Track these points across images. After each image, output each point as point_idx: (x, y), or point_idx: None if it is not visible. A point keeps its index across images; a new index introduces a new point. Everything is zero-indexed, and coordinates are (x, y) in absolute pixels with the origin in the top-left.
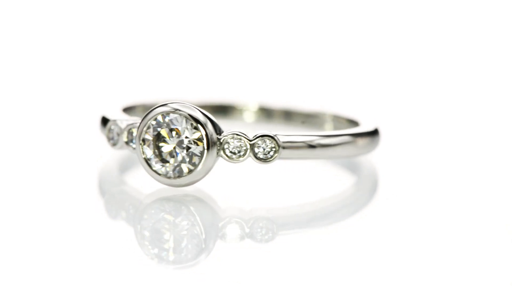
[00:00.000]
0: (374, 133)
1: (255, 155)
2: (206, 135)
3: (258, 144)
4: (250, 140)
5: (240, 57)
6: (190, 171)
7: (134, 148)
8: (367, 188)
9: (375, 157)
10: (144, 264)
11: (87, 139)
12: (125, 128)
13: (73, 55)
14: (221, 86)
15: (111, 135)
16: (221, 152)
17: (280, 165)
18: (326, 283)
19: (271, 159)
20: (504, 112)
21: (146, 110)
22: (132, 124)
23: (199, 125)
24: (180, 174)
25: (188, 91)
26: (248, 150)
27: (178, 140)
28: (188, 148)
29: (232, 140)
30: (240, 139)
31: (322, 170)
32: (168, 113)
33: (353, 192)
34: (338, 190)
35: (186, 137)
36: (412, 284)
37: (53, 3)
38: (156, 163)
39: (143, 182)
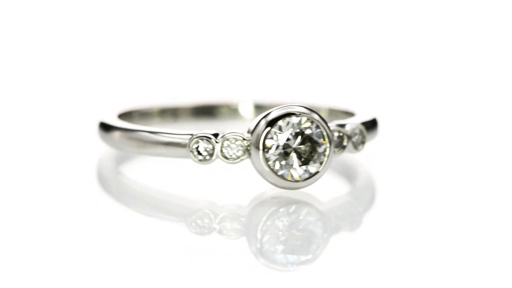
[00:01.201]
0: (374, 122)
1: (354, 145)
2: (326, 131)
3: (354, 133)
4: (347, 133)
5: (233, 55)
6: (317, 170)
7: (237, 158)
8: (365, 192)
9: (373, 150)
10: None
11: (83, 143)
12: (222, 140)
13: (66, 59)
14: (215, 86)
15: (196, 151)
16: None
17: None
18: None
19: (361, 149)
20: (504, 105)
21: (143, 115)
22: (223, 135)
23: (319, 124)
24: (308, 175)
25: (182, 92)
26: (348, 142)
27: (300, 142)
28: (313, 148)
29: (335, 134)
30: (339, 131)
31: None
32: (284, 117)
33: (352, 198)
34: (338, 190)
35: (309, 138)
36: (412, 284)
37: (49, 8)
38: (282, 168)
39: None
